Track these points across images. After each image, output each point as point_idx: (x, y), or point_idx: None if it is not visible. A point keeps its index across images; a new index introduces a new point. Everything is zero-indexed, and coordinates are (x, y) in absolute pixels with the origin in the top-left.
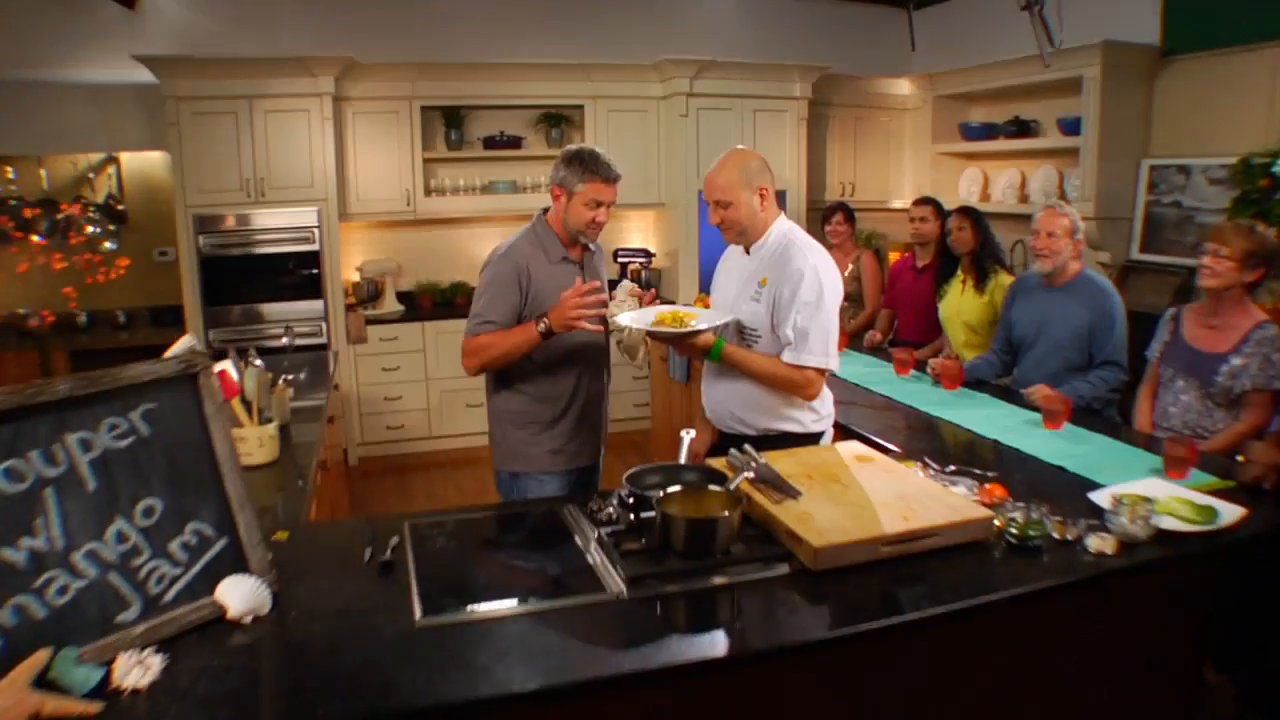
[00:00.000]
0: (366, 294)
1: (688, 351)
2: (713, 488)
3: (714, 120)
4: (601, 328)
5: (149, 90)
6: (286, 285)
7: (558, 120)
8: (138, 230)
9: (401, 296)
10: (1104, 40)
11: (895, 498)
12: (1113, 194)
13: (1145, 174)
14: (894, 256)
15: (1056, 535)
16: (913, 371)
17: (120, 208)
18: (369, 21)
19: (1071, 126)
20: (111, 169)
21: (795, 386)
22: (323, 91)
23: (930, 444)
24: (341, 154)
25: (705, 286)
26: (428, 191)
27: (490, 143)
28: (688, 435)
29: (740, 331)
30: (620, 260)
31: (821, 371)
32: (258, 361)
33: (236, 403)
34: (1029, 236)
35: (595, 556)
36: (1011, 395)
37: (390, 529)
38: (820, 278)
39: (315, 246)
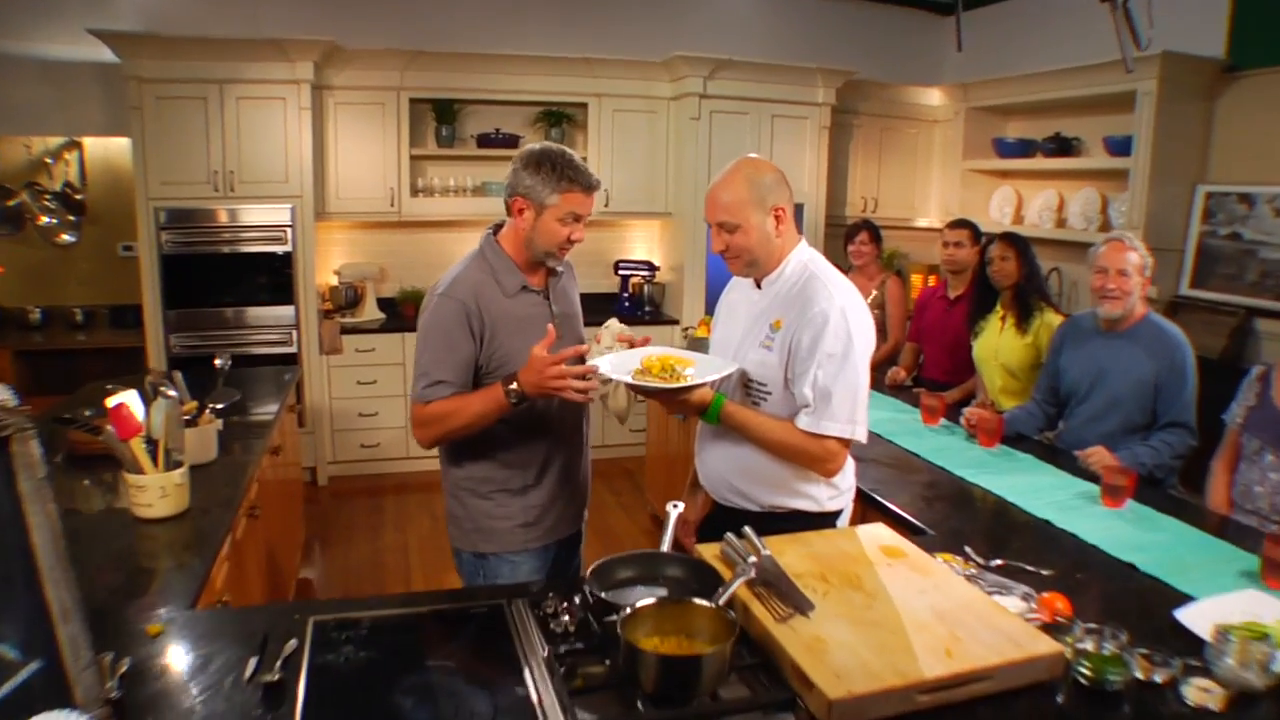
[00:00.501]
0: (344, 300)
1: (679, 409)
2: (699, 602)
3: (728, 125)
4: (591, 398)
5: (111, 70)
6: (255, 288)
7: (559, 119)
8: (99, 222)
9: (383, 304)
10: (1164, 51)
11: (934, 617)
12: (1163, 222)
13: (1201, 201)
14: (916, 280)
15: (1141, 676)
16: (943, 420)
17: (78, 197)
18: (355, 4)
19: (1119, 146)
20: (72, 154)
21: (812, 460)
22: (300, 78)
23: (967, 522)
24: (320, 147)
25: (712, 308)
26: (414, 191)
27: (484, 141)
28: (674, 510)
29: (745, 385)
30: (621, 273)
31: (846, 442)
32: (171, 391)
33: (137, 443)
34: (1082, 270)
35: (540, 688)
36: (1058, 456)
37: (291, 627)
38: (849, 324)
39: (288, 247)
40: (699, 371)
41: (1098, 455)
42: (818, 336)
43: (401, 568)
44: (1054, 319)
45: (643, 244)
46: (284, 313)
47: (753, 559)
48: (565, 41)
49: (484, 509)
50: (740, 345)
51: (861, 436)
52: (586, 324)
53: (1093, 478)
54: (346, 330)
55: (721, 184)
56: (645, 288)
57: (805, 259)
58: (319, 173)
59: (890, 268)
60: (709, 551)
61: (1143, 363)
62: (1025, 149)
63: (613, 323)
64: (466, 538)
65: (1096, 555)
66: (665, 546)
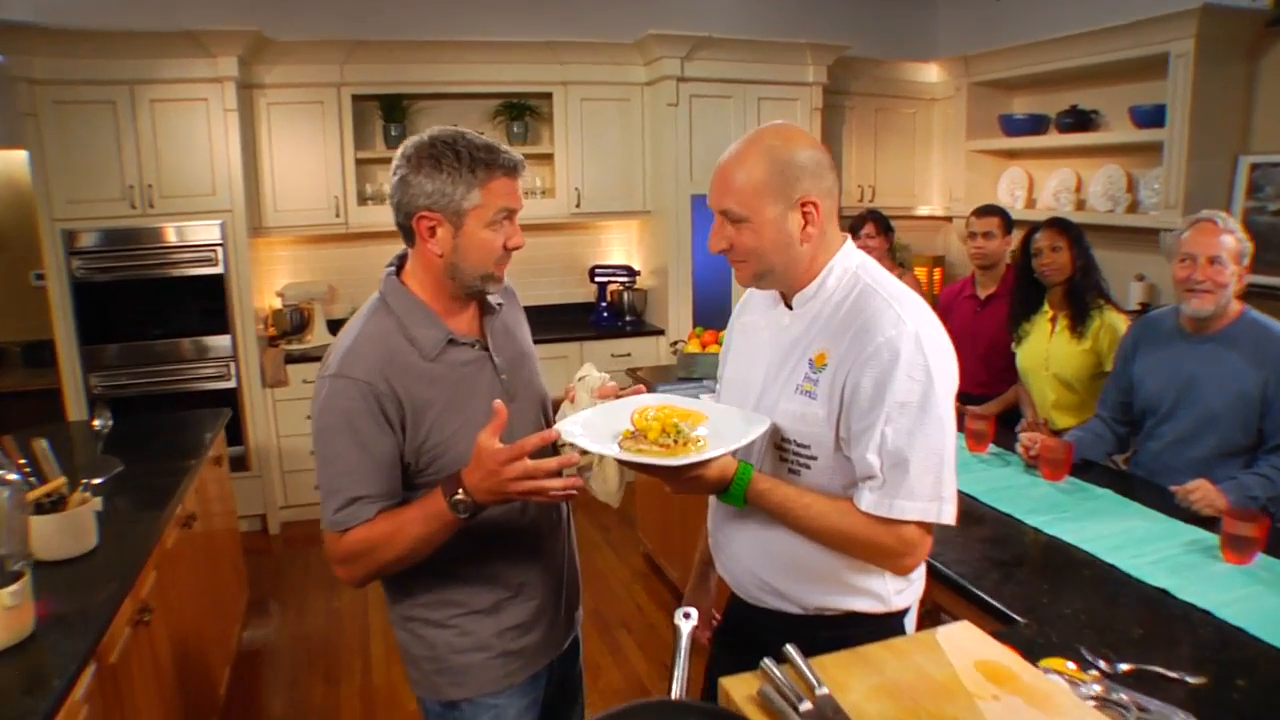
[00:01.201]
0: (290, 324)
1: (688, 488)
2: None
3: (710, 110)
4: (574, 494)
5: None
6: (185, 317)
7: (520, 111)
8: (7, 248)
9: (334, 326)
10: (1204, 4)
11: None
12: (1202, 199)
13: (1244, 174)
14: (920, 274)
15: None
16: (991, 447)
17: None
18: None
19: (1148, 116)
20: None
21: (881, 554)
22: (223, 75)
23: (1063, 600)
24: (253, 154)
25: (702, 317)
26: (362, 199)
27: None
28: (686, 623)
29: (778, 447)
30: (598, 280)
31: (928, 528)
32: (11, 474)
33: None
34: (1110, 257)
35: None
36: (1136, 487)
37: None
38: (926, 358)
39: (219, 269)
40: (714, 431)
41: (1203, 493)
42: (884, 379)
43: (359, 633)
44: (1116, 319)
45: (620, 247)
46: (220, 343)
47: (806, 705)
48: (525, 24)
49: (445, 641)
50: (766, 389)
51: (949, 517)
52: (559, 340)
53: (1195, 518)
54: (293, 359)
55: (735, 158)
56: (625, 295)
57: (853, 265)
58: (252, 183)
59: (900, 262)
60: (740, 689)
61: (1244, 371)
62: (1036, 125)
63: (589, 371)
64: (428, 682)
65: (1248, 645)
66: (676, 685)
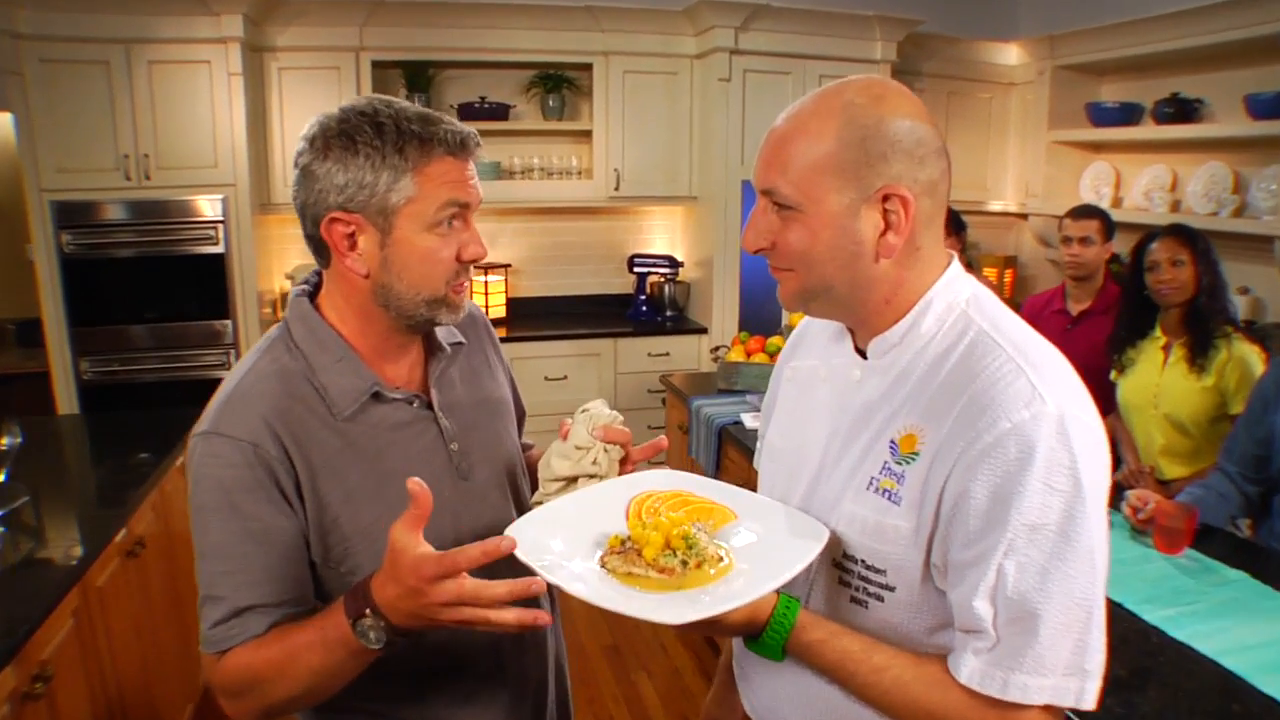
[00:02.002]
0: None
1: (700, 632)
2: None
3: (765, 87)
4: (540, 626)
5: None
6: (183, 298)
7: (557, 83)
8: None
9: None
10: None
11: None
12: None
13: None
14: (989, 274)
15: None
16: None
17: None
18: None
19: (1266, 107)
20: None
21: None
22: (228, 36)
23: None
24: (261, 123)
25: (748, 320)
26: None
27: (467, 111)
28: None
29: (839, 565)
30: (637, 271)
31: (1059, 715)
32: None
33: None
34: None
35: None
36: (1274, 565)
37: None
38: (1074, 454)
39: (219, 247)
40: (746, 543)
41: None
42: (1009, 487)
43: None
44: (1247, 351)
45: (662, 235)
46: (220, 327)
47: None
48: None
49: None
50: (823, 476)
51: (1091, 700)
52: (592, 335)
53: None
54: None
55: (795, 117)
56: (666, 288)
57: (962, 299)
58: (260, 155)
59: (970, 262)
60: None
61: None
62: (1128, 115)
63: (596, 406)
64: None
65: None
66: None
